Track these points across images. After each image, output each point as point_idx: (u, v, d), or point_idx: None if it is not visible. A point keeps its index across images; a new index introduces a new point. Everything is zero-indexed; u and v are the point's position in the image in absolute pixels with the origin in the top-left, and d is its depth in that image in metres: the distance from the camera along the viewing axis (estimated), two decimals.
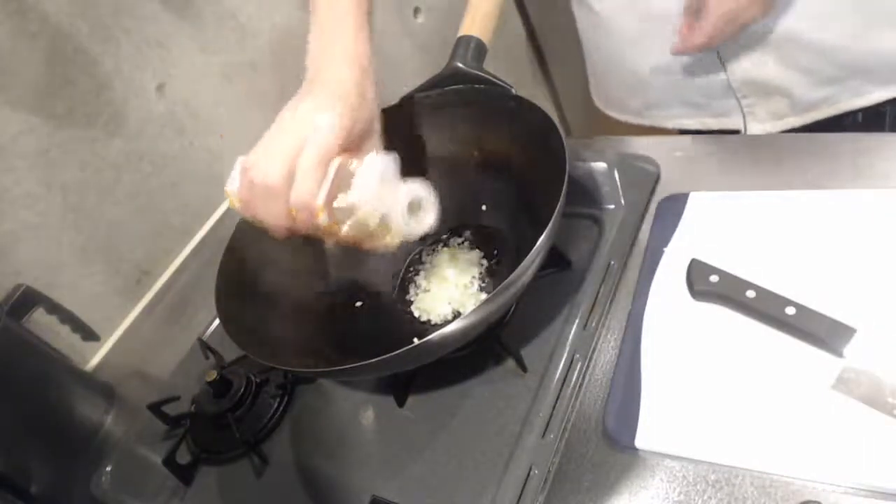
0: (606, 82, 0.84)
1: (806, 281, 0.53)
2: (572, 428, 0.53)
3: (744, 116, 0.74)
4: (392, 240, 0.48)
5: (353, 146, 0.48)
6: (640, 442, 0.50)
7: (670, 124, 0.80)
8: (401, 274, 0.71)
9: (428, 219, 0.48)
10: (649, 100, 0.79)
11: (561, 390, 0.56)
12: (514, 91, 0.65)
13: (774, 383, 0.49)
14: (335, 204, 0.45)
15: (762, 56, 0.67)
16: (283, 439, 0.65)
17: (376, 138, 0.50)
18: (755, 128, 0.74)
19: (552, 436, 0.53)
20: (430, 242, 0.72)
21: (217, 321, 0.77)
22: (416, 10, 1.26)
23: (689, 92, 0.75)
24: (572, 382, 0.56)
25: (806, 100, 0.70)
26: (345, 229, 0.46)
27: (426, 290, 0.68)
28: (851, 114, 0.70)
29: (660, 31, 0.69)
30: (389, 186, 0.45)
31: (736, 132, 0.76)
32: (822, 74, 0.67)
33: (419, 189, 0.47)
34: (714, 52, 0.68)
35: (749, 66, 0.69)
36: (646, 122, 0.82)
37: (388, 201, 0.45)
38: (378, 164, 0.44)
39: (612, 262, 0.62)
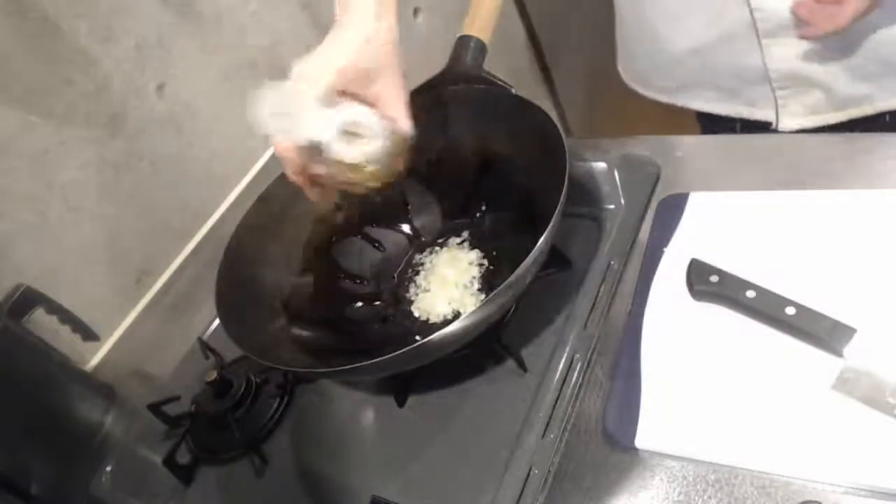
0: (635, 56, 0.82)
1: (806, 281, 0.53)
2: (572, 428, 0.53)
3: (777, 109, 0.72)
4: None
5: (358, 82, 0.52)
6: (640, 442, 0.50)
7: (698, 107, 0.79)
8: (401, 274, 0.71)
9: (368, 146, 0.51)
10: (680, 80, 0.77)
11: (561, 390, 0.56)
12: (514, 91, 0.65)
13: (774, 383, 0.49)
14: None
15: (807, 46, 0.66)
16: (283, 439, 0.65)
17: (387, 79, 0.54)
18: (787, 122, 0.73)
19: (552, 436, 0.53)
20: (430, 242, 0.72)
21: (217, 321, 0.77)
22: (416, 10, 1.26)
23: (723, 76, 0.73)
24: (572, 382, 0.56)
25: (843, 95, 0.68)
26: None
27: (426, 290, 0.68)
28: (881, 116, 0.69)
29: (706, 9, 0.67)
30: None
31: (766, 125, 0.74)
32: (864, 70, 0.66)
33: (357, 115, 0.50)
34: (755, 36, 0.67)
35: (792, 55, 0.67)
36: (671, 101, 0.80)
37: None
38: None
39: (612, 262, 0.62)
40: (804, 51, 0.66)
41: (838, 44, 0.65)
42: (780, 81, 0.70)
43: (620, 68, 0.86)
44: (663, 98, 0.82)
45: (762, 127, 0.75)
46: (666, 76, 0.79)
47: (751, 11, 0.65)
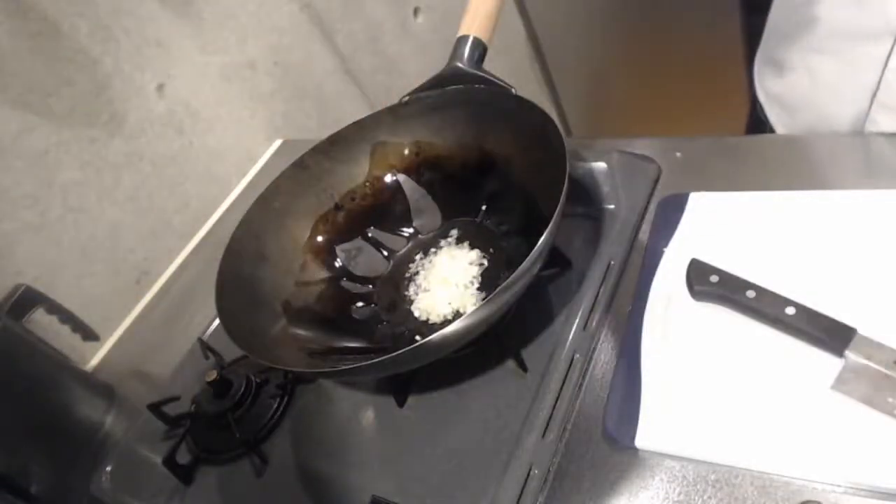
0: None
1: (806, 281, 0.53)
2: (572, 428, 0.53)
3: None
4: None
5: None
6: (640, 442, 0.50)
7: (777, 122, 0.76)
8: (401, 274, 0.71)
9: None
10: (787, 86, 0.73)
11: (561, 390, 0.56)
12: (514, 91, 0.65)
13: (774, 383, 0.49)
14: None
15: None
16: (283, 439, 0.65)
17: None
18: None
19: (552, 436, 0.53)
20: (430, 242, 0.72)
21: (217, 321, 0.77)
22: (416, 10, 1.26)
23: (818, 108, 0.70)
24: (572, 382, 0.56)
25: None
26: None
27: (426, 290, 0.68)
28: None
29: (844, 42, 0.63)
30: None
31: None
32: None
33: None
34: (870, 97, 0.64)
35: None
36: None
37: None
38: None
39: (612, 262, 0.62)
40: None
41: None
42: None
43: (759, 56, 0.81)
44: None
45: None
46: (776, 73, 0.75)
47: (883, 70, 0.62)
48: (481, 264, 0.68)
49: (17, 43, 0.74)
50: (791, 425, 0.47)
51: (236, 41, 0.98)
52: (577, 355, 0.57)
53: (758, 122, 0.81)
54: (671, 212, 0.63)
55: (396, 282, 0.71)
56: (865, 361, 0.47)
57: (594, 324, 0.59)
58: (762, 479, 0.46)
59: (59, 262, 0.81)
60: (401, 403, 0.62)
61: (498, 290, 0.51)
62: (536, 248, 0.52)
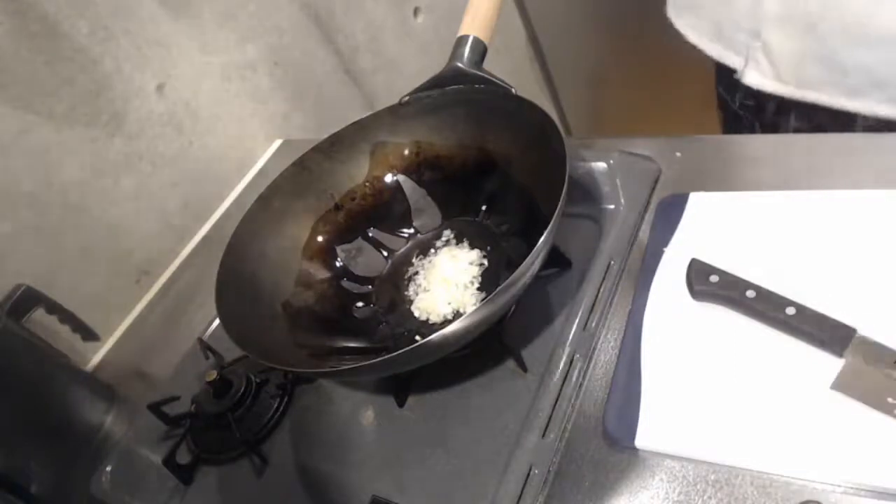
0: None
1: (806, 281, 0.53)
2: (572, 428, 0.53)
3: (746, 58, 0.70)
4: None
5: None
6: (640, 442, 0.50)
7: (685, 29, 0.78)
8: (401, 274, 0.71)
9: None
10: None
11: (561, 390, 0.56)
12: (514, 91, 0.65)
13: (774, 383, 0.49)
14: None
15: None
16: (283, 439, 0.65)
17: None
18: (750, 78, 0.71)
19: (552, 436, 0.53)
20: (430, 242, 0.72)
21: (217, 321, 0.77)
22: (416, 10, 1.26)
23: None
24: (572, 382, 0.56)
25: (803, 74, 0.66)
26: None
27: (426, 290, 0.68)
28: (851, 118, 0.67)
29: None
30: None
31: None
32: (836, 58, 0.63)
33: None
34: None
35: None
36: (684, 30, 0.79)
37: None
38: None
39: (612, 262, 0.62)
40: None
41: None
42: (765, 30, 0.67)
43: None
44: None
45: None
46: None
47: None
48: (481, 264, 0.68)
49: (17, 43, 0.74)
50: (791, 425, 0.47)
51: (236, 41, 0.97)
52: (577, 355, 0.57)
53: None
54: (671, 212, 0.63)
55: (396, 282, 0.71)
56: (865, 361, 0.47)
57: (594, 324, 0.59)
58: (762, 479, 0.46)
59: (59, 262, 0.81)
60: (401, 403, 0.62)
61: (498, 290, 0.51)
62: (536, 248, 0.52)
